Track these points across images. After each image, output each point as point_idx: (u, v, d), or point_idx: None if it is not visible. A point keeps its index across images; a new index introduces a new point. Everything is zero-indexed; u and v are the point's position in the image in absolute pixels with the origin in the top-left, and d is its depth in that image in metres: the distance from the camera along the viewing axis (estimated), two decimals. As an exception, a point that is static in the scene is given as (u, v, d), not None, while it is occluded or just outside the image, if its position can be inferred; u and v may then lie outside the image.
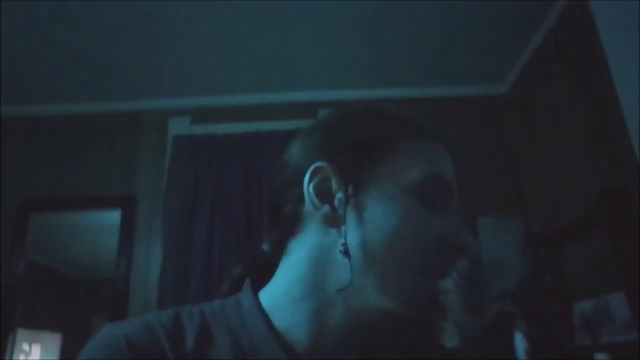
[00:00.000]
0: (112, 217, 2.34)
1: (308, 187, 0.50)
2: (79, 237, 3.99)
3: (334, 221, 0.49)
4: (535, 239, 2.15)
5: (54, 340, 4.90)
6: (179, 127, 2.40)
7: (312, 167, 0.50)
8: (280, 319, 0.48)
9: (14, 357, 2.31)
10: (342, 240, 0.48)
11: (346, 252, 0.47)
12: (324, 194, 0.50)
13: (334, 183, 0.49)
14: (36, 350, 4.62)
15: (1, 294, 2.16)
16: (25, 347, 4.42)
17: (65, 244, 4.21)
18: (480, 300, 2.08)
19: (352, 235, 0.47)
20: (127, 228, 2.27)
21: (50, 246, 4.08)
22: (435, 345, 0.59)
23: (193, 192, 2.20)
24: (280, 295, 0.50)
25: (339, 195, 0.49)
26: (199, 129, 2.38)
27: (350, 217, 0.48)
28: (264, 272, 0.55)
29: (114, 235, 2.28)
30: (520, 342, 1.86)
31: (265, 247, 0.58)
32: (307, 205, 0.50)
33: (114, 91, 2.43)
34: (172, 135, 2.36)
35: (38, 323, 4.44)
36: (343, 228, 0.48)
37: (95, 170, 2.37)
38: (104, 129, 2.46)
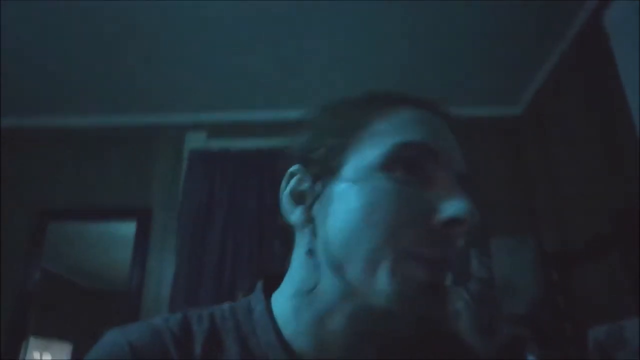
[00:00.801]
0: (127, 229, 2.37)
1: (283, 193, 0.49)
2: (94, 248, 4.03)
3: (308, 222, 0.46)
4: (549, 260, 2.13)
5: (65, 350, 4.92)
6: (195, 141, 2.44)
7: (287, 173, 0.49)
8: (288, 327, 0.46)
9: (26, 365, 2.33)
10: (314, 240, 0.45)
11: (309, 252, 0.45)
12: (300, 197, 0.48)
13: (306, 183, 0.48)
14: (46, 359, 4.64)
15: (16, 302, 2.20)
16: (36, 355, 4.44)
17: (80, 254, 4.25)
18: (491, 321, 2.05)
19: (324, 232, 0.44)
20: (142, 239, 2.29)
21: (65, 256, 4.12)
22: (448, 337, 0.56)
23: (207, 206, 2.22)
24: (285, 304, 0.48)
25: (311, 194, 0.47)
26: (215, 144, 2.41)
27: (320, 213, 0.45)
28: (277, 277, 0.53)
29: (129, 247, 2.31)
30: (532, 366, 1.83)
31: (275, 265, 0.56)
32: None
33: (133, 105, 2.48)
34: (188, 150, 2.40)
35: (49, 332, 4.47)
36: (308, 227, 0.46)
37: (113, 182, 2.42)
38: (123, 141, 2.51)
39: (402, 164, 0.43)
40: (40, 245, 2.31)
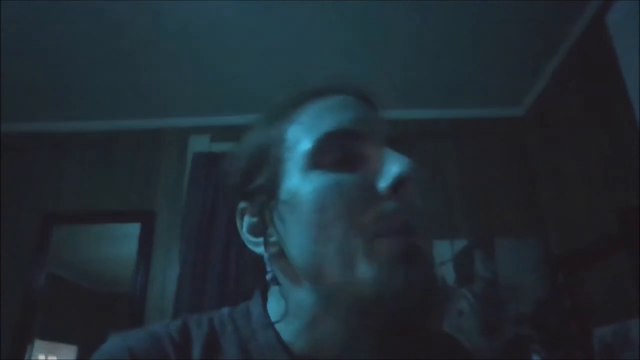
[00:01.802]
0: (132, 231, 2.37)
1: (242, 232, 0.49)
2: (98, 250, 4.04)
3: (272, 250, 0.47)
4: (554, 261, 2.12)
5: (70, 353, 4.92)
6: (198, 144, 2.45)
7: (237, 211, 0.50)
8: (284, 331, 0.47)
9: (31, 368, 2.34)
10: (276, 267, 0.47)
11: (272, 280, 0.47)
12: (258, 230, 0.48)
13: (257, 216, 0.48)
14: (52, 362, 4.65)
15: (21, 305, 2.20)
16: (42, 358, 4.45)
17: (85, 257, 4.27)
18: (495, 321, 2.05)
19: (289, 253, 0.45)
20: (146, 242, 2.30)
21: (70, 258, 4.14)
22: (446, 339, 0.57)
23: (211, 208, 2.23)
24: (276, 310, 0.48)
25: (264, 224, 0.47)
26: (218, 147, 2.42)
27: (280, 237, 0.46)
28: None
29: (133, 250, 2.32)
30: (537, 367, 1.83)
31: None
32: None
33: (137, 109, 2.50)
34: (192, 153, 2.40)
35: (55, 335, 4.48)
36: (266, 255, 0.47)
37: (117, 185, 2.43)
38: (127, 145, 2.52)
39: (329, 155, 0.44)
40: (45, 248, 2.32)
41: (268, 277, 0.47)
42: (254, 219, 0.48)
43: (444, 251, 2.19)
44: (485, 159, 2.43)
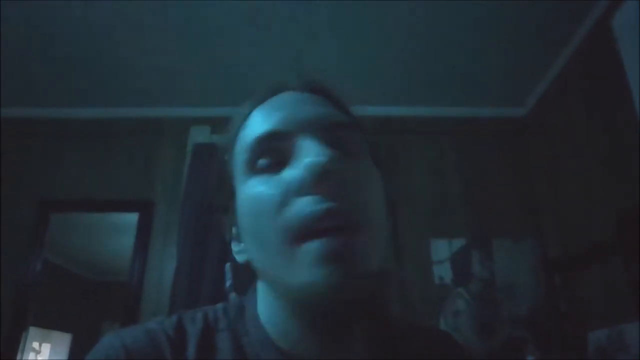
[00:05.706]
0: (130, 221, 2.37)
1: (229, 242, 0.52)
2: (95, 239, 4.04)
3: (242, 258, 0.50)
4: (551, 263, 2.12)
5: (64, 341, 4.94)
6: (199, 135, 2.44)
7: (226, 225, 0.52)
8: (270, 330, 0.47)
9: (24, 355, 2.34)
10: (235, 274, 0.52)
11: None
12: (236, 239, 0.51)
13: (229, 230, 0.51)
14: (46, 349, 4.65)
15: (17, 292, 2.20)
16: (36, 345, 4.45)
17: (82, 245, 4.27)
18: (491, 322, 2.05)
19: (251, 252, 0.47)
20: (144, 232, 2.30)
21: (67, 246, 4.13)
22: (443, 336, 0.57)
23: (210, 200, 2.22)
24: (265, 308, 0.49)
25: (236, 234, 0.50)
26: (219, 138, 2.41)
27: (243, 247, 0.48)
28: None
29: (130, 239, 2.32)
30: (531, 368, 1.83)
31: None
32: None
33: (138, 98, 2.48)
34: (192, 143, 2.39)
35: (49, 322, 4.49)
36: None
37: (116, 174, 2.42)
38: (127, 134, 2.51)
39: (260, 159, 0.45)
40: (42, 236, 2.31)
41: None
42: (230, 232, 0.51)
43: (442, 250, 2.19)
44: (486, 159, 2.43)
